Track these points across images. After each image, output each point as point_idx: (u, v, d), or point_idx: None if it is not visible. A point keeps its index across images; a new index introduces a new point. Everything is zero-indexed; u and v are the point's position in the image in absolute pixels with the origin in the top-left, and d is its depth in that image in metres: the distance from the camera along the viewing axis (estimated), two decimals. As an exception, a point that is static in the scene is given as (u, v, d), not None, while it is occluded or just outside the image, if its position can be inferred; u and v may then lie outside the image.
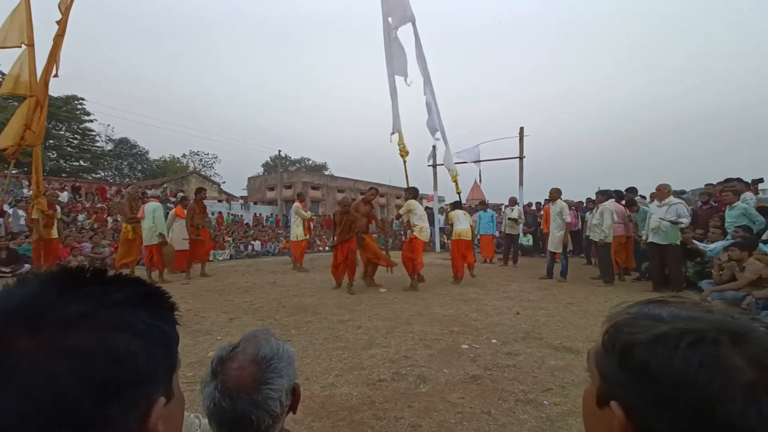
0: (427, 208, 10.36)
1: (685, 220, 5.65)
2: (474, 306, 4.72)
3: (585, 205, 10.01)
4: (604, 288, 6.09)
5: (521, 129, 12.75)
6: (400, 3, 7.07)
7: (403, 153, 7.09)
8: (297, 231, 8.73)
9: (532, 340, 3.36)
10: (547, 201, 10.04)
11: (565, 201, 7.33)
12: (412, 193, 6.56)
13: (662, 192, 5.90)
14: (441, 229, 13.61)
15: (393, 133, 7.05)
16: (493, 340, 3.34)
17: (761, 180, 6.65)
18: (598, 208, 6.67)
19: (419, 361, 2.87)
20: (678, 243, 5.74)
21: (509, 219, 9.62)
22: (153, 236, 6.69)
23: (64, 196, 13.92)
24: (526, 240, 11.62)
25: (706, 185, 7.66)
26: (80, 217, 12.84)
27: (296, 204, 8.88)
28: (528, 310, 4.47)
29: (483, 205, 10.91)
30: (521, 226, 9.85)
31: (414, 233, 6.05)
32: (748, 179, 6.85)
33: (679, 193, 8.10)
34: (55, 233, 6.99)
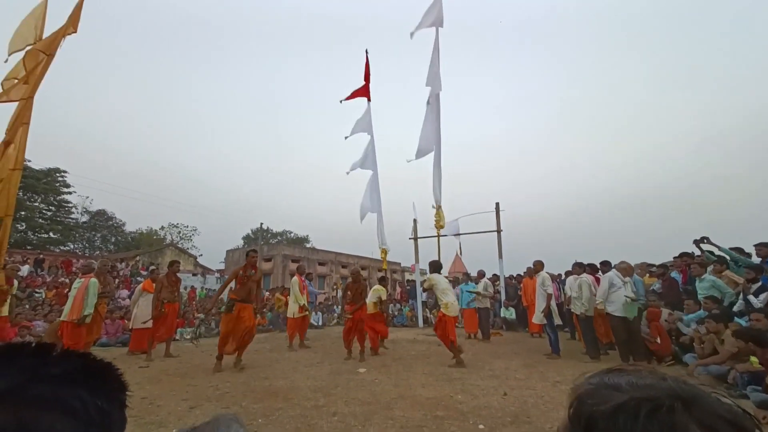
0: (408, 281, 10.29)
1: (643, 299, 6.15)
2: (459, 386, 4.43)
3: (563, 277, 10.16)
4: (591, 364, 5.90)
5: (497, 204, 13.41)
6: (436, 6, 7.34)
7: (438, 225, 7.00)
8: (293, 307, 8.06)
9: (521, 424, 3.12)
10: (525, 274, 10.19)
11: (547, 273, 7.36)
12: (434, 267, 6.36)
13: (628, 270, 6.33)
14: (423, 302, 13.34)
15: (435, 206, 7.06)
16: (480, 426, 3.08)
17: (704, 240, 6.80)
18: (576, 280, 6.80)
19: (400, 453, 2.58)
20: (637, 316, 6.08)
21: (474, 292, 9.47)
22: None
23: (24, 270, 13.09)
24: (509, 313, 11.41)
25: (674, 258, 8.01)
26: (38, 292, 11.95)
27: (294, 278, 8.37)
28: (515, 390, 4.22)
29: (467, 276, 10.74)
30: (488, 300, 9.62)
31: (441, 310, 5.98)
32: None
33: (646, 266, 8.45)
34: (5, 311, 6.42)
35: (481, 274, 10.12)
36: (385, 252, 9.01)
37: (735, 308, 5.43)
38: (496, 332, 10.32)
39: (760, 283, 5.23)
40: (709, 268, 6.33)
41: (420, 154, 7.38)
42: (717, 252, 6.65)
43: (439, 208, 7.20)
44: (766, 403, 3.30)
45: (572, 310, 7.05)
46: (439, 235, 13.52)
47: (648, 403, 0.36)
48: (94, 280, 6.28)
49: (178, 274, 7.61)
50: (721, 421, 0.35)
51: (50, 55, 5.37)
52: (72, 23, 5.62)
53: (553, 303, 6.74)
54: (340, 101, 8.30)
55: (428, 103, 7.78)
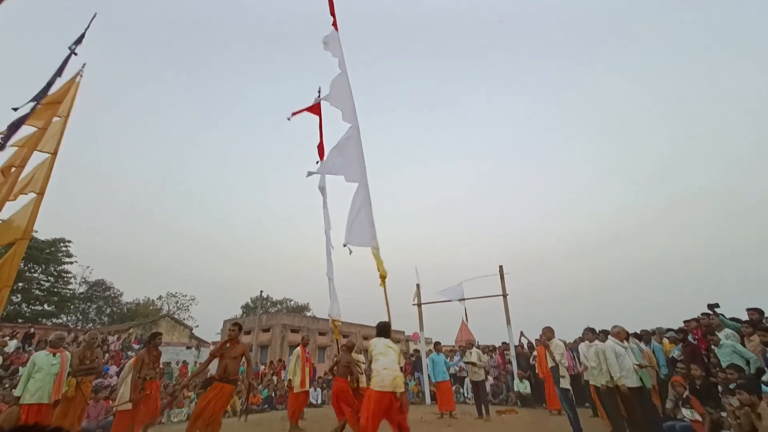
0: (414, 350, 9.73)
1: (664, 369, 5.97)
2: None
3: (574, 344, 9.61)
4: (619, 446, 5.30)
5: (500, 267, 13.20)
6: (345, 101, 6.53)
7: (383, 273, 5.61)
8: (295, 380, 7.37)
9: None
10: (538, 341, 9.60)
11: (560, 340, 6.89)
12: (378, 329, 4.75)
13: (622, 334, 6.01)
14: (429, 376, 12.46)
15: (350, 247, 5.67)
16: None
17: (717, 305, 6.67)
18: (590, 347, 6.42)
19: None
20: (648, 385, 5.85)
21: (467, 363, 8.82)
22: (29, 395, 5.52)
23: (11, 346, 12.51)
24: (524, 387, 10.54)
25: (684, 322, 7.67)
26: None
27: (297, 349, 7.78)
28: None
29: (436, 346, 9.67)
30: (483, 369, 8.91)
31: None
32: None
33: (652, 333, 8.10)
34: (-18, 391, 6.00)
35: (470, 344, 9.60)
36: (335, 324, 8.64)
37: (765, 377, 5.04)
38: (509, 409, 9.46)
39: None
40: (722, 333, 6.04)
41: (338, 172, 6.10)
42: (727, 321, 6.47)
43: (375, 252, 5.75)
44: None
45: (591, 382, 6.52)
46: (442, 300, 13.18)
47: None
48: (68, 353, 5.97)
49: (169, 347, 7.21)
50: None
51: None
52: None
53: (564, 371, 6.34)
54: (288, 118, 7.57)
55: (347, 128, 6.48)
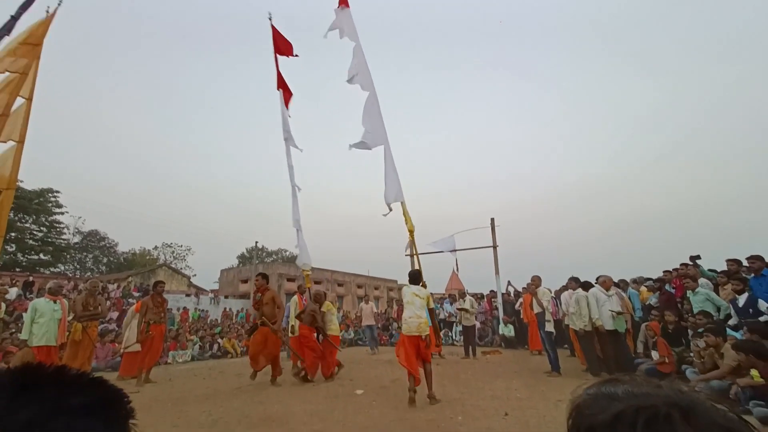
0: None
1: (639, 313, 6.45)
2: (459, 407, 4.33)
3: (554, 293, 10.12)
4: (592, 381, 5.79)
5: (492, 219, 13.47)
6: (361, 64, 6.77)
7: (411, 228, 6.25)
8: (295, 326, 7.63)
9: (524, 446, 3.04)
10: (525, 289, 10.13)
11: (546, 288, 7.39)
12: (410, 278, 5.38)
13: (608, 283, 6.59)
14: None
15: (390, 205, 6.16)
16: (482, 449, 3.00)
17: (698, 257, 7.09)
18: (572, 295, 6.78)
19: (400, 479, 2.50)
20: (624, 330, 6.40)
21: (460, 309, 9.55)
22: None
23: (12, 293, 12.79)
24: (508, 330, 11.29)
25: (664, 272, 8.06)
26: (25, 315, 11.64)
27: (294, 297, 8.18)
28: (516, 411, 4.14)
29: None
30: (473, 317, 9.69)
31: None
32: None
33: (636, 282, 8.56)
34: (-9, 335, 6.25)
35: (463, 293, 10.18)
36: (307, 273, 8.65)
37: (731, 322, 5.43)
38: (494, 350, 10.18)
39: (747, 295, 5.27)
40: (701, 280, 6.40)
41: (364, 145, 6.28)
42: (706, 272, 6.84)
43: (402, 206, 6.37)
44: (770, 419, 3.26)
45: (570, 326, 7.02)
46: (434, 252, 13.54)
47: (645, 412, 0.37)
48: (66, 301, 6.26)
49: (169, 295, 7.47)
50: (717, 428, 0.35)
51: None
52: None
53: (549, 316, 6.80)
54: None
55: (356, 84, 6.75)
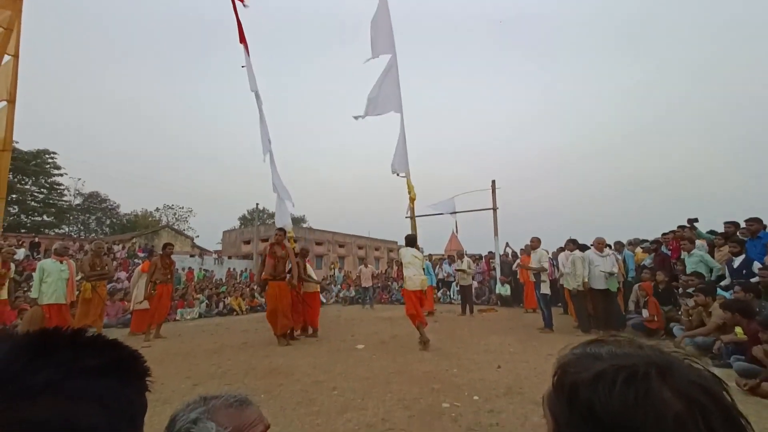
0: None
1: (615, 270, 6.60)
2: (455, 361, 4.57)
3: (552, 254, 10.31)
4: (582, 337, 6.04)
5: (493, 182, 13.39)
6: (384, 32, 6.61)
7: (413, 196, 6.71)
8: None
9: (514, 395, 3.25)
10: (522, 251, 10.34)
11: (544, 250, 7.59)
12: (407, 240, 6.14)
13: (602, 244, 6.75)
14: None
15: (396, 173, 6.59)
16: (475, 397, 3.21)
17: (696, 219, 7.20)
18: (568, 256, 6.92)
19: (398, 424, 2.70)
20: (615, 289, 6.63)
21: (458, 270, 9.95)
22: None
23: (20, 253, 13.06)
24: (504, 290, 11.63)
25: (663, 234, 8.13)
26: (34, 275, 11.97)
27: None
28: (509, 364, 4.37)
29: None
30: (470, 276, 10.10)
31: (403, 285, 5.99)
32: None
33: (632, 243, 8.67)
34: (4, 294, 6.46)
35: (461, 254, 10.47)
36: (291, 233, 8.38)
37: (723, 283, 5.57)
38: (490, 308, 10.56)
39: (743, 256, 5.36)
40: (697, 242, 6.49)
41: (374, 111, 6.33)
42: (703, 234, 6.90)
43: (406, 177, 6.68)
44: (748, 372, 3.45)
45: (564, 286, 7.24)
46: (434, 213, 13.61)
47: (625, 371, 0.39)
48: (72, 261, 6.40)
49: (174, 256, 7.64)
50: (692, 385, 0.38)
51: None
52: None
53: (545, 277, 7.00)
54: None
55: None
